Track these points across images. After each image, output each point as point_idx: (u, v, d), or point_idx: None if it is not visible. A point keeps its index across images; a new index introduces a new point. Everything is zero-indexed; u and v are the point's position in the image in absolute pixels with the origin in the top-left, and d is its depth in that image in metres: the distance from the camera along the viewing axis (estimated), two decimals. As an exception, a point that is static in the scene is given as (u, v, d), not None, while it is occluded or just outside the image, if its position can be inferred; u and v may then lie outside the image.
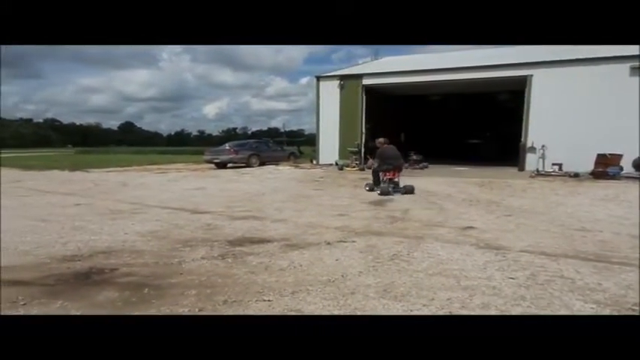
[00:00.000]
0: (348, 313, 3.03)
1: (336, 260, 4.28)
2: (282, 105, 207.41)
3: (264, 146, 21.47)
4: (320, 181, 12.92)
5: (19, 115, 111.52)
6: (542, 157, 14.65)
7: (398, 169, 9.86)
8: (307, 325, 2.09)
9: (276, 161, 20.55)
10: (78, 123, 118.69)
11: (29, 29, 2.03)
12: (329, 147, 19.20)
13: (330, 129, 19.04)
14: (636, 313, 3.02)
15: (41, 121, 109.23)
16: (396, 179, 9.74)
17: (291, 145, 30.00)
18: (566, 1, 2.00)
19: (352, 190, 10.47)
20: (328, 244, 4.98)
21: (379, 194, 9.27)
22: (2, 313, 2.97)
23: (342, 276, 3.78)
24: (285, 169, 17.57)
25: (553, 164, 14.14)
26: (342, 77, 18.82)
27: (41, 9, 1.99)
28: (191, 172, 17.55)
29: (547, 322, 2.23)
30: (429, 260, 4.27)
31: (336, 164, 17.66)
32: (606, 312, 3.04)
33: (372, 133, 19.99)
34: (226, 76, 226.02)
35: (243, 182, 12.80)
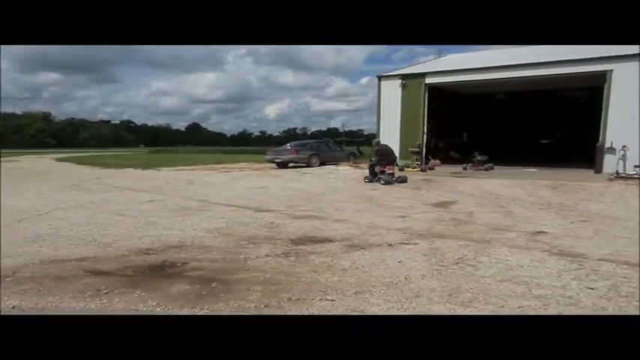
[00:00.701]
0: (349, 313, 3.03)
1: (399, 262, 4.22)
2: (341, 105, 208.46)
3: (325, 146, 21.64)
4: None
5: (99, 117, 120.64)
6: (623, 158, 13.51)
7: (391, 163, 12.20)
8: (307, 325, 2.12)
9: (336, 161, 20.63)
10: (150, 124, 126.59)
11: (29, 29, 2.02)
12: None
13: (391, 129, 18.78)
14: (636, 313, 3.00)
15: (118, 122, 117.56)
16: (391, 171, 11.98)
17: (351, 145, 30.01)
18: (567, 1, 2.00)
19: (414, 191, 10.27)
20: (390, 245, 4.92)
21: (383, 184, 11.46)
22: (2, 314, 2.98)
23: (406, 278, 3.72)
24: (344, 170, 17.59)
25: (635, 166, 13.01)
26: (403, 76, 18.51)
27: (41, 9, 1.99)
28: (253, 171, 18.07)
29: (547, 322, 2.21)
30: (497, 266, 4.09)
31: (397, 164, 17.42)
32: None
33: (434, 133, 19.52)
34: (288, 77, 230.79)
35: (304, 182, 12.97)
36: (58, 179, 14.38)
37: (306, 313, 3.05)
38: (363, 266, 4.10)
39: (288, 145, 20.68)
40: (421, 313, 3.04)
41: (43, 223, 6.20)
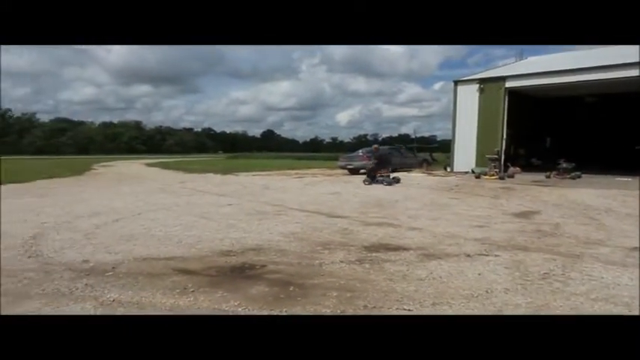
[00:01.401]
0: (348, 314, 3.03)
1: (479, 274, 4.05)
2: (413, 111, 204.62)
3: (397, 153, 21.37)
4: (455, 189, 12.38)
5: (182, 125, 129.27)
6: None
7: (388, 167, 14.30)
8: (308, 325, 2.10)
9: (408, 168, 20.29)
10: (228, 131, 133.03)
11: (29, 29, 2.02)
12: (465, 154, 18.31)
13: (467, 135, 18.13)
14: (636, 313, 2.97)
15: (199, 130, 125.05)
16: (387, 174, 13.82)
17: (423, 151, 29.30)
18: (567, 1, 1.99)
19: (493, 200, 9.80)
20: (468, 256, 4.74)
21: (386, 185, 13.17)
22: (2, 314, 3.01)
23: (487, 292, 3.56)
24: (417, 176, 17.24)
25: None
26: (481, 80, 17.80)
27: (41, 9, 1.98)
28: (325, 177, 18.31)
29: (547, 322, 2.18)
30: (589, 283, 3.78)
31: (473, 172, 16.74)
32: None
33: (513, 139, 18.51)
34: (360, 84, 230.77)
35: (376, 188, 12.89)
36: (148, 183, 15.58)
37: (306, 314, 3.06)
38: (441, 277, 3.99)
39: (360, 151, 20.70)
40: (421, 314, 3.05)
41: (135, 223, 6.75)
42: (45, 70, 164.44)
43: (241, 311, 3.17)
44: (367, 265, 4.38)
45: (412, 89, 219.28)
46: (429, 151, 29.20)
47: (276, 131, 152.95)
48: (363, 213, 7.88)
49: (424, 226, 6.51)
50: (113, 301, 3.37)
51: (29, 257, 4.63)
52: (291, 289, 3.66)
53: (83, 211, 7.90)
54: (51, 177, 17.96)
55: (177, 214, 7.74)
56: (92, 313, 3.11)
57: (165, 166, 30.08)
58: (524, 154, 19.96)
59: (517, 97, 17.63)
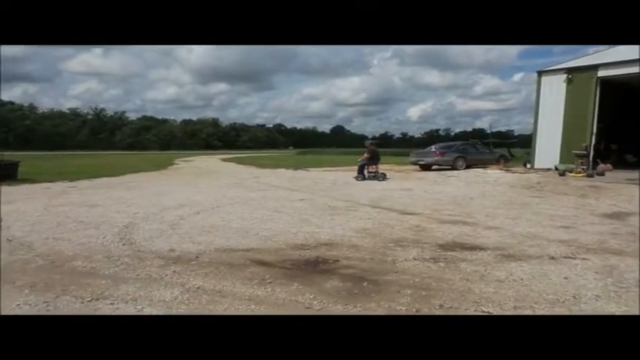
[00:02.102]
0: (348, 314, 3.01)
1: (565, 278, 3.79)
2: (489, 104, 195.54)
3: (472, 148, 20.54)
4: (537, 187, 11.65)
5: (255, 121, 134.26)
6: None
7: (377, 163, 14.47)
8: (307, 325, 2.08)
9: (483, 164, 19.42)
10: (298, 127, 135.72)
11: (29, 29, 2.01)
12: (547, 149, 17.11)
13: (551, 129, 16.92)
14: (636, 313, 2.96)
15: (271, 126, 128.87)
16: (378, 170, 14.19)
17: (500, 147, 27.83)
18: (566, 1, 1.98)
19: (579, 199, 9.10)
20: (552, 258, 4.46)
21: (380, 180, 13.73)
22: (2, 314, 3.01)
23: (575, 297, 3.33)
24: (494, 173, 16.44)
25: None
26: (569, 70, 16.46)
27: (41, 9, 1.98)
28: (396, 173, 18.05)
29: (547, 322, 2.17)
30: (697, 293, 3.40)
31: (556, 169, 15.62)
32: None
33: (604, 134, 17.00)
34: (432, 77, 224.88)
35: (450, 185, 12.51)
36: (224, 177, 16.36)
37: (307, 314, 3.05)
38: (522, 279, 3.79)
39: (433, 147, 20.14)
40: (421, 314, 3.04)
41: (215, 215, 7.14)
42: (134, 72, 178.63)
43: (316, 304, 3.25)
44: (442, 264, 4.28)
45: (489, 81, 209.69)
46: (507, 147, 27.71)
47: (345, 127, 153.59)
48: (436, 210, 7.69)
49: (502, 226, 6.21)
50: (198, 288, 3.60)
51: (124, 244, 5.08)
52: (365, 284, 3.68)
53: (168, 204, 8.49)
54: (139, 171, 19.47)
55: (253, 207, 8.06)
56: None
57: (239, 161, 31.39)
58: (616, 150, 18.24)
59: (610, 87, 16.12)
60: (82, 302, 3.27)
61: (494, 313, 3.05)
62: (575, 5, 1.99)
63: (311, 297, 3.39)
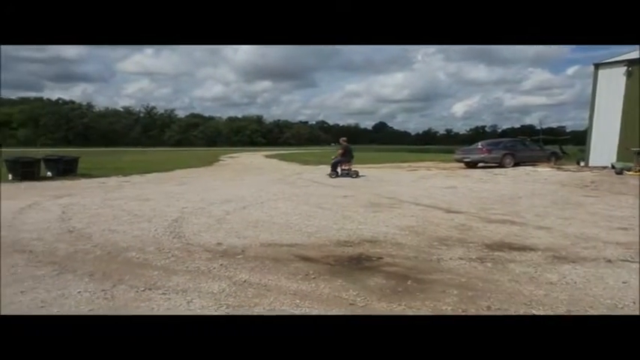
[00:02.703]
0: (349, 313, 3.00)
1: (623, 283, 3.60)
2: (540, 99, 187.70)
3: (520, 145, 19.73)
4: (591, 186, 11.07)
5: (298, 118, 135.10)
6: None
7: (350, 161, 14.73)
8: (307, 325, 2.07)
9: (533, 162, 18.62)
10: (341, 124, 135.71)
11: (29, 29, 2.00)
12: (603, 146, 16.20)
13: (607, 125, 15.99)
14: (636, 313, 2.96)
15: (314, 123, 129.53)
16: (351, 168, 14.56)
17: (551, 144, 26.56)
18: (566, 1, 1.99)
19: (637, 199, 8.56)
20: (609, 261, 4.24)
21: (353, 177, 14.14)
22: (2, 313, 3.00)
23: (634, 303, 3.16)
24: (544, 171, 15.75)
25: None
26: (630, 62, 15.45)
27: (41, 9, 1.97)
28: (440, 170, 17.69)
29: (547, 322, 2.16)
30: None
31: (613, 167, 14.75)
32: None
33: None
34: (479, 72, 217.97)
35: (497, 183, 12.11)
36: (268, 173, 16.64)
37: (306, 314, 3.03)
38: (575, 282, 3.63)
39: (479, 143, 19.52)
40: (421, 314, 3.01)
41: (260, 211, 7.29)
42: (183, 71, 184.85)
43: (360, 301, 3.26)
44: (489, 264, 4.17)
45: (540, 75, 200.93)
46: (559, 144, 26.40)
47: (388, 123, 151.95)
48: (482, 209, 7.48)
49: (553, 226, 5.96)
50: (244, 282, 3.70)
51: (174, 238, 5.29)
52: (409, 283, 3.65)
53: (215, 198, 8.75)
54: (187, 167, 20.16)
55: (296, 203, 8.16)
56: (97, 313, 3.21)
57: (282, 157, 31.76)
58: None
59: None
60: (137, 291, 3.44)
61: (495, 313, 3.02)
62: (575, 5, 1.99)
63: (354, 294, 3.40)
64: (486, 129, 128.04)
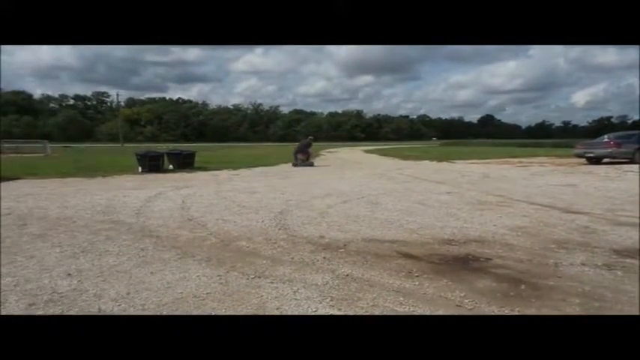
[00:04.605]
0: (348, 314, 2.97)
1: None
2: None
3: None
4: None
5: (399, 112, 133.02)
6: None
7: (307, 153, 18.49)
8: (308, 325, 2.06)
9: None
10: (443, 117, 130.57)
11: (29, 29, 1.99)
12: None
13: None
14: (636, 313, 2.87)
15: (415, 117, 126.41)
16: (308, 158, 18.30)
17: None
18: (566, 1, 1.98)
19: None
20: None
21: (309, 165, 17.79)
22: (2, 313, 3.00)
23: None
24: (689, 168, 13.53)
25: None
26: None
27: (41, 9, 1.96)
28: (556, 166, 16.16)
29: (547, 322, 2.10)
30: None
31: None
32: None
33: None
34: (608, 55, 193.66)
35: (627, 181, 10.73)
36: (368, 168, 16.65)
37: (307, 314, 2.96)
38: None
39: (606, 136, 17.40)
40: (421, 314, 2.97)
41: (360, 206, 7.31)
42: (288, 68, 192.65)
43: (468, 303, 3.10)
44: (619, 273, 3.70)
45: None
46: None
47: (496, 116, 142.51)
48: (609, 210, 6.66)
49: None
50: (347, 276, 3.74)
51: (279, 229, 5.54)
52: (522, 287, 3.38)
53: (316, 192, 8.98)
54: (289, 162, 21.00)
55: (397, 199, 8.03)
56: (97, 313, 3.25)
57: (381, 152, 31.57)
58: None
59: None
60: (247, 279, 3.66)
61: (494, 314, 2.97)
62: (575, 5, 1.97)
63: (462, 295, 3.25)
64: (613, 120, 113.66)
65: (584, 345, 1.70)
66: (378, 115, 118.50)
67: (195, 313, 3.02)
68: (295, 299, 3.20)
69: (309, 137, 20.60)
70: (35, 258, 4.26)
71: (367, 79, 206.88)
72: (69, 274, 3.76)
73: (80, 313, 3.02)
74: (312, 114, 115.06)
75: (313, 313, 3.01)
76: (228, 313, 3.01)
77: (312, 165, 17.86)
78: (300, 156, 18.16)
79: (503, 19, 2.02)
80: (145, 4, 2.00)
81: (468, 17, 2.02)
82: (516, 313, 2.95)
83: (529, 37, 2.09)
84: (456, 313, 2.98)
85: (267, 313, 3.00)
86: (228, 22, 2.04)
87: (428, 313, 3.00)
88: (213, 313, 3.01)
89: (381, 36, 2.14)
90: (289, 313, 3.00)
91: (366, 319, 2.80)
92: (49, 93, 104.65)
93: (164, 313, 3.03)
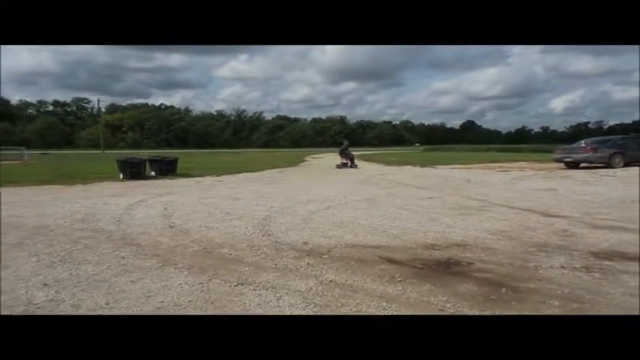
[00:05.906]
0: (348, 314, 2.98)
1: None
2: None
3: (632, 143, 17.63)
4: None
5: (382, 118, 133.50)
6: None
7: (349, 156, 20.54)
8: (307, 325, 2.06)
9: (650, 162, 16.56)
10: (426, 123, 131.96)
11: (29, 29, 2.00)
12: None
13: None
14: (636, 313, 2.91)
15: (398, 122, 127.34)
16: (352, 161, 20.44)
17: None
18: (566, 1, 1.98)
19: None
20: None
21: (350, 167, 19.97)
22: (2, 313, 3.00)
23: None
24: (663, 172, 13.93)
25: None
26: None
27: (41, 9, 1.96)
28: (535, 171, 16.46)
29: (547, 322, 2.15)
30: None
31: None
32: None
33: None
34: (584, 63, 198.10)
35: (604, 185, 10.98)
36: (351, 174, 16.69)
37: (306, 314, 2.99)
38: None
39: (583, 142, 17.83)
40: (421, 314, 2.99)
41: (344, 211, 7.32)
42: (273, 74, 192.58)
43: (450, 307, 3.12)
44: (597, 275, 3.77)
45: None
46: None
47: (477, 122, 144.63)
48: (587, 214, 6.81)
49: (677, 235, 5.24)
50: (330, 281, 3.73)
51: (263, 235, 5.51)
52: (504, 290, 3.43)
53: (300, 198, 8.97)
54: (273, 167, 20.95)
55: (381, 204, 8.07)
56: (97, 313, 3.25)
57: (365, 158, 31.71)
58: None
59: None
60: (230, 286, 3.62)
61: (494, 314, 2.99)
62: (575, 5, 1.98)
63: (444, 299, 3.27)
64: (590, 125, 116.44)
65: (584, 345, 1.70)
66: (362, 120, 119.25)
67: (194, 313, 3.04)
68: (279, 306, 3.18)
69: (345, 142, 22.07)
70: (10, 268, 4.14)
71: (351, 85, 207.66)
72: (45, 284, 3.67)
73: (80, 314, 3.04)
74: (296, 120, 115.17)
75: (313, 314, 3.03)
76: (228, 314, 3.03)
77: (356, 167, 20.13)
78: (343, 160, 20.36)
79: (502, 20, 2.02)
80: (145, 4, 2.02)
81: (468, 17, 2.03)
82: (516, 314, 2.96)
83: (529, 37, 2.10)
84: (456, 314, 3.00)
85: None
86: (219, 22, 2.06)
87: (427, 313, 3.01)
88: (213, 313, 3.03)
89: (372, 36, 2.15)
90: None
91: (365, 319, 2.81)
92: (27, 99, 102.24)
93: (163, 313, 3.05)
